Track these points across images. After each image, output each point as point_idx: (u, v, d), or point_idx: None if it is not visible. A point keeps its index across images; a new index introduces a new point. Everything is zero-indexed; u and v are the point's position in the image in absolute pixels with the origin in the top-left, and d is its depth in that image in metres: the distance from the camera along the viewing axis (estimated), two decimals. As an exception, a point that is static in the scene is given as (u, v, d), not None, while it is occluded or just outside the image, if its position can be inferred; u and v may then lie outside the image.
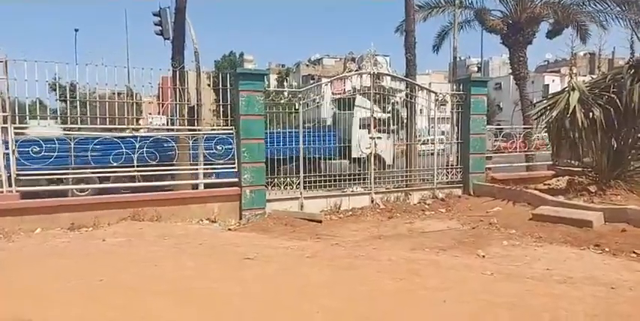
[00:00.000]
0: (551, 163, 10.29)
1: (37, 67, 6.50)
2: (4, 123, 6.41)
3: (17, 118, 6.73)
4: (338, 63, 60.20)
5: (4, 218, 6.28)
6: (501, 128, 10.82)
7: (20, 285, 4.08)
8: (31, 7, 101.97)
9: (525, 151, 11.05)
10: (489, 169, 9.69)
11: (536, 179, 9.76)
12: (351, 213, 8.20)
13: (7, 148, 6.52)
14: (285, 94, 8.89)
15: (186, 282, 4.24)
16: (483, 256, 5.10)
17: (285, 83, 34.92)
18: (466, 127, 9.38)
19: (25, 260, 4.97)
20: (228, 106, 7.89)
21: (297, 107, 8.43)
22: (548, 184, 9.43)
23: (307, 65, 62.01)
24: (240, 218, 7.46)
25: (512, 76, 17.24)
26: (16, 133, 6.67)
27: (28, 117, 7.17)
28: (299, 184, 8.11)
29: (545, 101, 8.94)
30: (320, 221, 7.45)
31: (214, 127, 8.43)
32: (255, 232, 6.69)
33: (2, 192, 6.44)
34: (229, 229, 6.90)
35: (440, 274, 4.45)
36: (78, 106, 7.08)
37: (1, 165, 6.45)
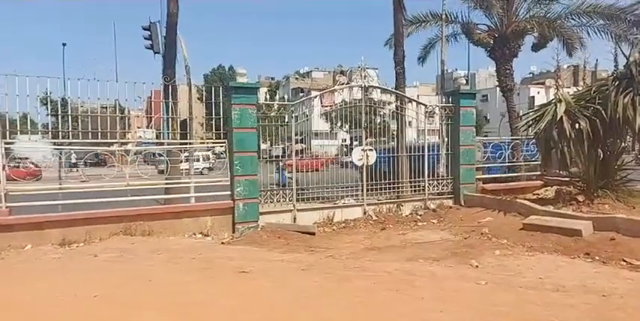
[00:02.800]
0: (539, 173, 10.45)
1: (28, 82, 6.50)
2: (-6, 138, 6.35)
3: (8, 133, 6.67)
4: (327, 76, 60.80)
5: (-8, 235, 6.19)
6: (490, 140, 10.96)
7: (14, 302, 4.01)
8: (20, 22, 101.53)
9: (513, 163, 11.22)
10: (480, 179, 9.80)
11: (525, 189, 9.89)
12: (344, 225, 8.22)
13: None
14: (275, 106, 8.96)
15: (182, 297, 4.21)
16: (477, 266, 5.15)
17: (276, 96, 35.11)
18: (456, 138, 9.51)
19: (17, 277, 4.89)
20: (220, 120, 7.91)
21: (286, 120, 8.49)
22: (537, 194, 9.56)
23: (297, 78, 62.53)
24: (234, 231, 7.43)
25: (498, 88, 17.55)
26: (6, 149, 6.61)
27: (18, 132, 7.12)
28: (291, 196, 8.12)
29: (532, 113, 9.13)
30: (313, 233, 7.45)
31: (207, 141, 8.45)
32: (249, 245, 6.67)
33: (-9, 208, 6.35)
34: (222, 243, 6.86)
35: (435, 284, 4.49)
36: (69, 121, 7.05)
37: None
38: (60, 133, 7.08)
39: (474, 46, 15.84)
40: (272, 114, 8.80)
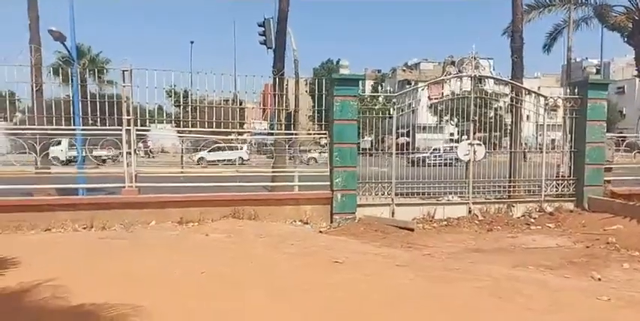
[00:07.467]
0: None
1: (156, 76, 7.23)
2: (128, 125, 7.20)
3: (139, 121, 7.50)
4: (437, 67, 58.33)
5: (125, 211, 7.05)
6: (624, 137, 9.58)
7: (136, 272, 4.50)
8: (151, 22, 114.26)
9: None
10: (608, 182, 8.62)
11: (668, 195, 8.46)
12: (445, 223, 7.84)
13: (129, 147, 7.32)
14: (380, 99, 8.81)
15: (279, 281, 4.37)
16: (599, 279, 4.55)
17: (379, 88, 34.73)
18: (581, 134, 8.47)
19: (141, 249, 5.50)
20: (324, 112, 8.02)
21: (391, 113, 8.30)
22: (684, 202, 8.12)
23: (404, 70, 61.02)
24: (331, 221, 7.54)
25: (638, 80, 15.30)
26: (137, 135, 7.46)
27: (154, 121, 8.00)
28: (390, 190, 7.96)
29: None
30: (412, 229, 7.24)
31: (309, 132, 8.65)
32: (345, 236, 6.70)
33: (125, 187, 7.24)
34: (320, 232, 7.00)
35: (546, 295, 4.04)
36: (190, 111, 7.72)
37: (125, 163, 7.24)
38: (183, 122, 7.80)
39: (609, 31, 13.99)
40: (377, 107, 8.68)
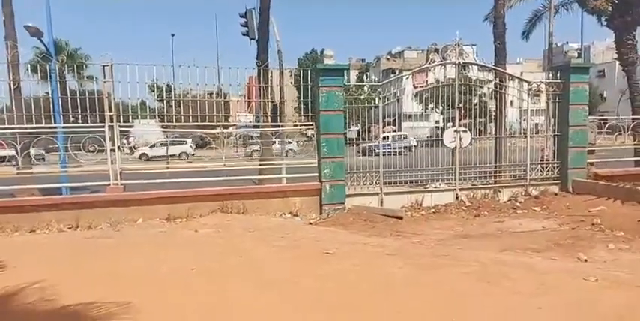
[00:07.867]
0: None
1: (137, 70, 7.07)
2: (110, 122, 7.07)
3: (122, 117, 7.36)
4: (420, 55, 58.37)
5: (111, 209, 6.94)
6: (605, 119, 9.71)
7: (124, 271, 4.46)
8: (132, 15, 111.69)
9: (635, 145, 9.84)
10: (592, 164, 8.76)
11: (649, 176, 8.64)
12: (433, 210, 7.90)
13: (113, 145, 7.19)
14: (365, 88, 8.77)
15: (268, 274, 4.36)
16: (585, 260, 4.63)
17: (364, 78, 34.74)
18: (564, 118, 8.57)
19: (129, 248, 5.44)
20: (310, 103, 7.98)
21: (376, 102, 8.29)
22: (665, 182, 8.30)
23: (388, 59, 60.83)
24: (321, 213, 7.54)
25: (617, 62, 15.49)
26: (121, 132, 7.34)
27: (135, 116, 7.84)
28: (379, 179, 7.99)
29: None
30: (401, 218, 7.27)
31: (296, 123, 8.60)
32: (334, 226, 6.72)
33: (110, 185, 7.13)
34: (310, 223, 7.00)
35: (534, 277, 4.11)
36: (174, 106, 7.60)
37: (109, 160, 7.12)
38: (166, 117, 7.67)
39: (589, 15, 14.10)
40: (362, 96, 8.65)
